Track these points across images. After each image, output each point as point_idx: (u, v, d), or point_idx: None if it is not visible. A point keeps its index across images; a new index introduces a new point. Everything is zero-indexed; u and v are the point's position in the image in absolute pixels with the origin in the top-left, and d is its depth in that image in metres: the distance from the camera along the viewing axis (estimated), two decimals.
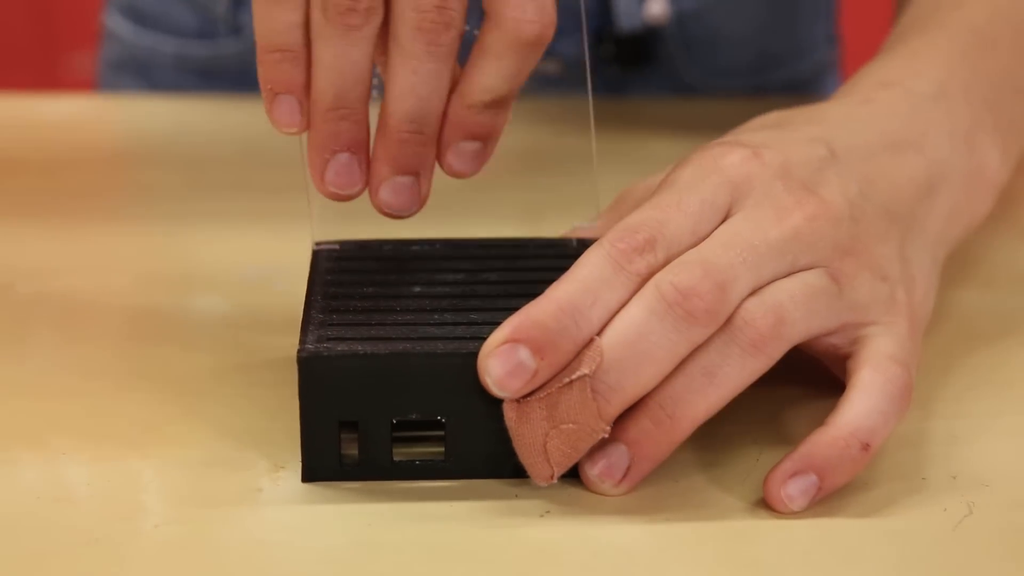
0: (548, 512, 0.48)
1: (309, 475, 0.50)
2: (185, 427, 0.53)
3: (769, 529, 0.48)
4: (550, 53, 0.51)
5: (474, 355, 0.48)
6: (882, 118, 0.57)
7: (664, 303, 0.48)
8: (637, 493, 0.49)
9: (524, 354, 0.47)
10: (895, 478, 0.50)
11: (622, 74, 0.87)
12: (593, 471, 0.49)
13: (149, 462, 0.51)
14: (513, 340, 0.47)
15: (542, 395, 0.48)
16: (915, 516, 0.48)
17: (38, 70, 1.86)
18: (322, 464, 0.50)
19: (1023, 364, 0.58)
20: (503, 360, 0.47)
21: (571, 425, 0.48)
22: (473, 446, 0.49)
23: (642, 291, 0.48)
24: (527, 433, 0.48)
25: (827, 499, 0.49)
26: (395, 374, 0.48)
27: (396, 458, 0.50)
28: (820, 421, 0.53)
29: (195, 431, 0.53)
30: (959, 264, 0.67)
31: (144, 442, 0.52)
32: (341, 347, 0.49)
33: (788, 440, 0.52)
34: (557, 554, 0.46)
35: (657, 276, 0.49)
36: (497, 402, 0.48)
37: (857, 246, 0.52)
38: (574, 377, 0.48)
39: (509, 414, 0.48)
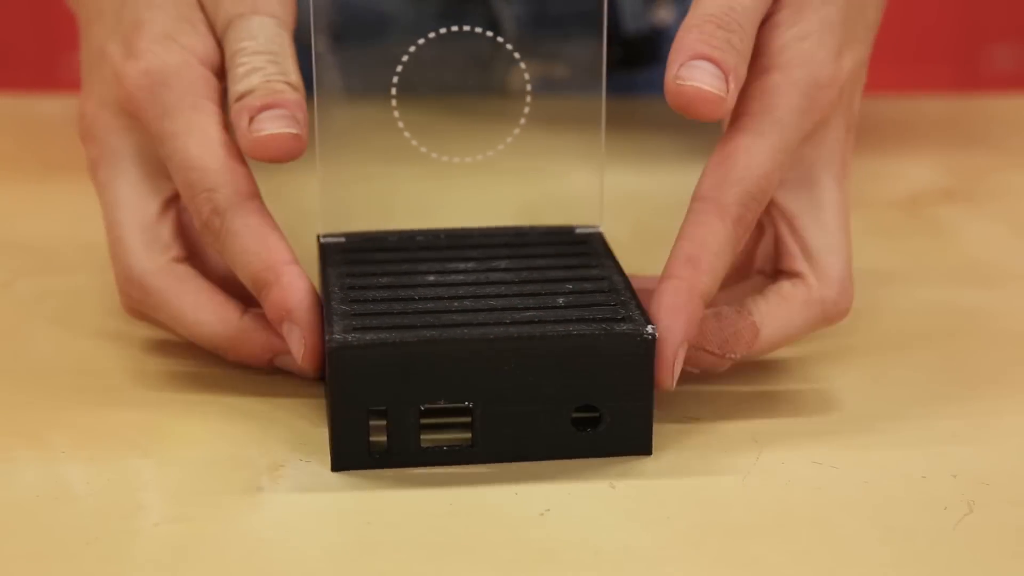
0: (548, 511, 0.48)
1: (338, 464, 0.50)
2: (185, 425, 0.53)
3: (769, 529, 0.48)
4: (559, 57, 0.50)
5: (500, 340, 0.49)
6: None
7: None
8: (636, 493, 0.49)
9: None
10: (895, 477, 0.50)
11: (628, 75, 0.87)
12: None
13: (149, 460, 0.51)
14: None
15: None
16: (915, 515, 0.48)
17: (38, 70, 1.86)
18: (351, 452, 0.50)
19: (1023, 364, 0.58)
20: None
21: None
22: (500, 430, 0.50)
23: None
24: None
25: (826, 497, 0.49)
26: (423, 361, 0.49)
27: (423, 445, 0.50)
28: (819, 419, 0.54)
29: (195, 429, 0.53)
30: (958, 263, 0.67)
31: (144, 441, 0.52)
32: (370, 336, 0.49)
33: (787, 439, 0.52)
34: (557, 553, 0.46)
35: None
36: (523, 386, 0.49)
37: None
38: None
39: None
